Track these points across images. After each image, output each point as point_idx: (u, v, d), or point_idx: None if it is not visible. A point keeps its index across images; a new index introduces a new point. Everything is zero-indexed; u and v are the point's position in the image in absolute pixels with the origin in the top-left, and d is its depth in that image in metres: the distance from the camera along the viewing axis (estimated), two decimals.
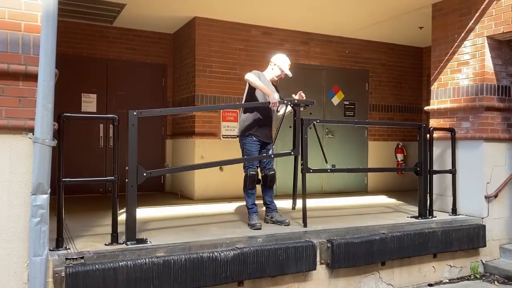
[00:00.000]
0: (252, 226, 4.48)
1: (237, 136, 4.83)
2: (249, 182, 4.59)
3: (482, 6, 5.37)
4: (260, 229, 4.41)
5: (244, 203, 4.79)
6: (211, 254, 3.67)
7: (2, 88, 3.18)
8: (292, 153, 4.60)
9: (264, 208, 4.87)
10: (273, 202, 4.84)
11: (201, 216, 5.33)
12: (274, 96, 4.60)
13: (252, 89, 4.69)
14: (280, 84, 7.62)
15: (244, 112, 4.73)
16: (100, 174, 6.95)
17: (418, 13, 6.58)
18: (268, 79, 4.81)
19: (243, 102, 4.88)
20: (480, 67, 5.40)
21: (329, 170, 5.04)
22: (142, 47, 7.76)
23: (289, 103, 4.64)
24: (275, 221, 4.70)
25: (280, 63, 4.80)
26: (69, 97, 7.01)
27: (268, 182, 4.70)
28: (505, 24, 5.12)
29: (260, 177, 4.70)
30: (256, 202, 4.69)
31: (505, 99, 5.48)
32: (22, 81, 3.23)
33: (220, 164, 5.20)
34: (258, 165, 4.68)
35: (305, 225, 4.52)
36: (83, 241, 3.78)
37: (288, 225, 4.60)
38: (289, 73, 4.85)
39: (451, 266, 5.10)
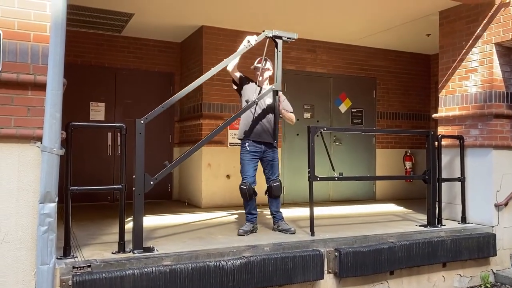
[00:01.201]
0: (238, 231, 4.55)
1: None
2: (242, 196, 4.64)
3: (490, 13, 5.35)
4: (242, 235, 4.46)
5: (242, 211, 4.82)
6: (218, 263, 3.66)
7: (11, 98, 3.21)
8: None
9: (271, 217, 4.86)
10: (279, 212, 4.83)
11: (208, 224, 5.32)
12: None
13: (239, 91, 4.85)
14: (287, 90, 7.65)
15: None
16: (108, 182, 6.97)
17: (425, 21, 6.56)
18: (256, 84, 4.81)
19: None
20: (489, 74, 5.37)
21: (336, 178, 5.02)
22: (149, 56, 7.81)
23: (270, 35, 4.61)
24: (281, 230, 4.69)
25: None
26: (77, 105, 7.07)
27: (273, 193, 4.71)
28: None
29: (255, 188, 4.71)
30: (264, 210, 4.69)
31: None
32: (31, 91, 3.26)
33: None
34: (252, 175, 4.66)
35: (312, 234, 4.49)
36: (90, 249, 3.79)
37: (294, 233, 4.59)
38: (257, 65, 4.96)
39: (461, 276, 5.03)
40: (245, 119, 4.72)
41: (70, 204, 3.50)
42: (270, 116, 4.73)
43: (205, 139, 4.30)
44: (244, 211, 4.80)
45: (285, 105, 4.94)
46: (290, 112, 4.93)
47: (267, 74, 4.92)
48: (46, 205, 3.19)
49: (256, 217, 4.73)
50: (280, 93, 4.82)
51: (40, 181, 3.20)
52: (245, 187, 4.59)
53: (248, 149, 4.67)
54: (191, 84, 4.17)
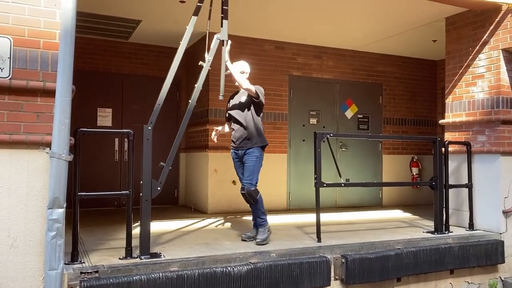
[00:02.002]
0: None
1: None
2: (246, 201, 4.60)
3: (497, 19, 5.34)
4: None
5: (248, 217, 4.77)
6: (224, 269, 3.66)
7: (20, 104, 3.25)
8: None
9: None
10: (256, 219, 4.61)
11: (214, 230, 5.33)
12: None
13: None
14: (293, 96, 7.66)
15: (256, 120, 4.65)
16: (115, 187, 7.01)
17: (431, 27, 6.56)
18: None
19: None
20: (496, 80, 5.35)
21: (343, 185, 5.01)
22: (156, 62, 7.86)
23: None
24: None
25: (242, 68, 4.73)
26: (85, 111, 7.12)
27: (248, 199, 4.54)
28: None
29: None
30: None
31: None
32: (40, 97, 3.30)
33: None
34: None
35: (319, 240, 4.48)
36: (97, 255, 3.80)
37: (249, 241, 4.47)
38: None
39: (468, 283, 4.99)
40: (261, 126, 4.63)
41: (78, 209, 3.53)
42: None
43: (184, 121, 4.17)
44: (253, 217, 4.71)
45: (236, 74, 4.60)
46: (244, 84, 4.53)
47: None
48: (54, 211, 3.21)
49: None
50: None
51: (49, 187, 3.22)
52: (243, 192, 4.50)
53: (231, 151, 4.68)
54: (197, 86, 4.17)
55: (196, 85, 4.10)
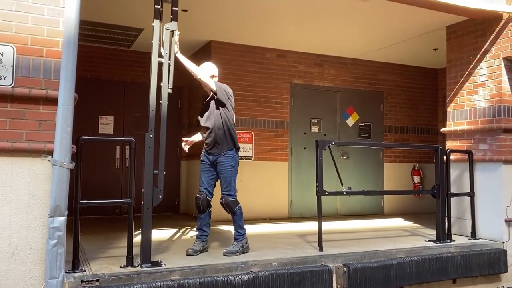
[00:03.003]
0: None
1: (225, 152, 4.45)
2: (196, 207, 4.43)
3: (498, 28, 5.36)
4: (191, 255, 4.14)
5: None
6: (226, 278, 3.65)
7: (23, 112, 3.26)
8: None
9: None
10: (234, 232, 4.43)
11: (215, 238, 5.30)
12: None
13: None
14: (294, 104, 7.67)
15: (225, 125, 4.42)
16: (116, 195, 6.99)
17: (432, 35, 6.59)
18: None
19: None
20: (497, 89, 5.35)
21: (345, 193, 5.00)
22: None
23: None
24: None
25: (212, 72, 4.57)
26: (86, 119, 7.13)
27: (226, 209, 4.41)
28: None
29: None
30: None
31: None
32: (43, 105, 3.31)
33: None
34: (206, 186, 4.44)
35: (320, 249, 4.46)
36: (98, 263, 3.79)
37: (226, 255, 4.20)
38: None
39: None
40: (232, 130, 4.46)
41: (79, 218, 3.52)
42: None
43: None
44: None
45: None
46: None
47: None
48: (55, 219, 3.20)
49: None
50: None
51: (50, 195, 3.22)
52: (199, 196, 4.42)
53: (202, 155, 4.50)
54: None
55: (161, 84, 3.94)
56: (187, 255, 4.16)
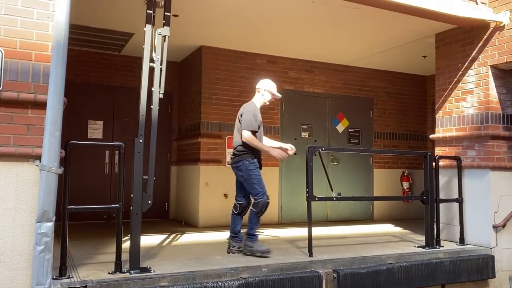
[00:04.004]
0: (264, 252, 4.45)
1: (233, 161, 4.68)
2: (265, 209, 4.55)
3: (485, 36, 5.44)
4: (270, 252, 4.46)
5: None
6: (215, 284, 3.63)
7: (10, 116, 3.23)
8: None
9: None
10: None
11: (205, 244, 5.28)
12: (278, 151, 4.67)
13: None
14: (285, 110, 7.70)
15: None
16: (105, 200, 6.95)
17: (421, 43, 6.66)
18: (259, 107, 4.80)
19: (236, 127, 4.80)
20: (485, 96, 5.42)
21: (335, 199, 5.01)
22: None
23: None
24: (244, 251, 4.58)
25: (269, 88, 4.83)
26: (76, 123, 7.08)
27: (246, 211, 4.73)
28: (509, 53, 5.17)
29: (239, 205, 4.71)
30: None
31: (510, 128, 5.47)
32: (31, 109, 3.28)
33: None
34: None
35: (310, 255, 4.46)
36: (86, 269, 3.74)
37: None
38: (279, 95, 4.91)
39: None
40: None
41: (67, 223, 3.48)
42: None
43: None
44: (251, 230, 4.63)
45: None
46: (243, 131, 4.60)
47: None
48: (43, 224, 3.16)
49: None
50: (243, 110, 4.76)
51: (38, 200, 3.18)
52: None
53: (256, 162, 4.63)
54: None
55: (153, 89, 3.98)
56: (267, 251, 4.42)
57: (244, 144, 4.59)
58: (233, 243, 4.68)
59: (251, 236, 4.56)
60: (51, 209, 3.19)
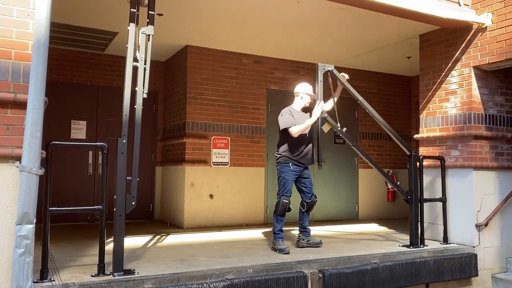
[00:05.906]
0: (281, 251, 4.64)
1: (276, 163, 5.11)
2: (281, 209, 4.84)
3: (468, 37, 5.51)
4: (289, 253, 4.60)
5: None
6: (200, 286, 3.59)
7: None
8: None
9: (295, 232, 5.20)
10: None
11: (190, 246, 5.24)
12: (317, 109, 5.10)
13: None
14: (270, 110, 7.69)
15: (282, 143, 5.04)
16: (88, 201, 6.84)
17: (406, 44, 6.72)
18: (298, 109, 5.19)
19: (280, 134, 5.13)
20: (468, 97, 5.49)
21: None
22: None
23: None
24: (311, 244, 5.03)
25: (307, 91, 5.22)
26: (58, 124, 6.97)
27: (312, 207, 5.13)
28: (490, 54, 5.24)
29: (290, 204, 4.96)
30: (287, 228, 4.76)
31: (492, 128, 5.55)
32: (11, 109, 3.20)
33: None
34: (291, 194, 4.93)
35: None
36: (68, 272, 3.68)
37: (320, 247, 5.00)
38: (314, 95, 5.25)
39: None
40: (289, 145, 5.03)
41: (48, 225, 3.41)
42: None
43: None
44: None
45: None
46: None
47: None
48: (23, 227, 3.09)
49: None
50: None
51: (18, 202, 3.11)
52: (287, 201, 4.87)
53: (291, 166, 4.96)
54: None
55: (136, 88, 3.96)
56: (285, 253, 4.64)
57: (279, 149, 5.05)
58: (302, 237, 5.09)
59: (274, 234, 4.88)
60: (31, 211, 3.12)
